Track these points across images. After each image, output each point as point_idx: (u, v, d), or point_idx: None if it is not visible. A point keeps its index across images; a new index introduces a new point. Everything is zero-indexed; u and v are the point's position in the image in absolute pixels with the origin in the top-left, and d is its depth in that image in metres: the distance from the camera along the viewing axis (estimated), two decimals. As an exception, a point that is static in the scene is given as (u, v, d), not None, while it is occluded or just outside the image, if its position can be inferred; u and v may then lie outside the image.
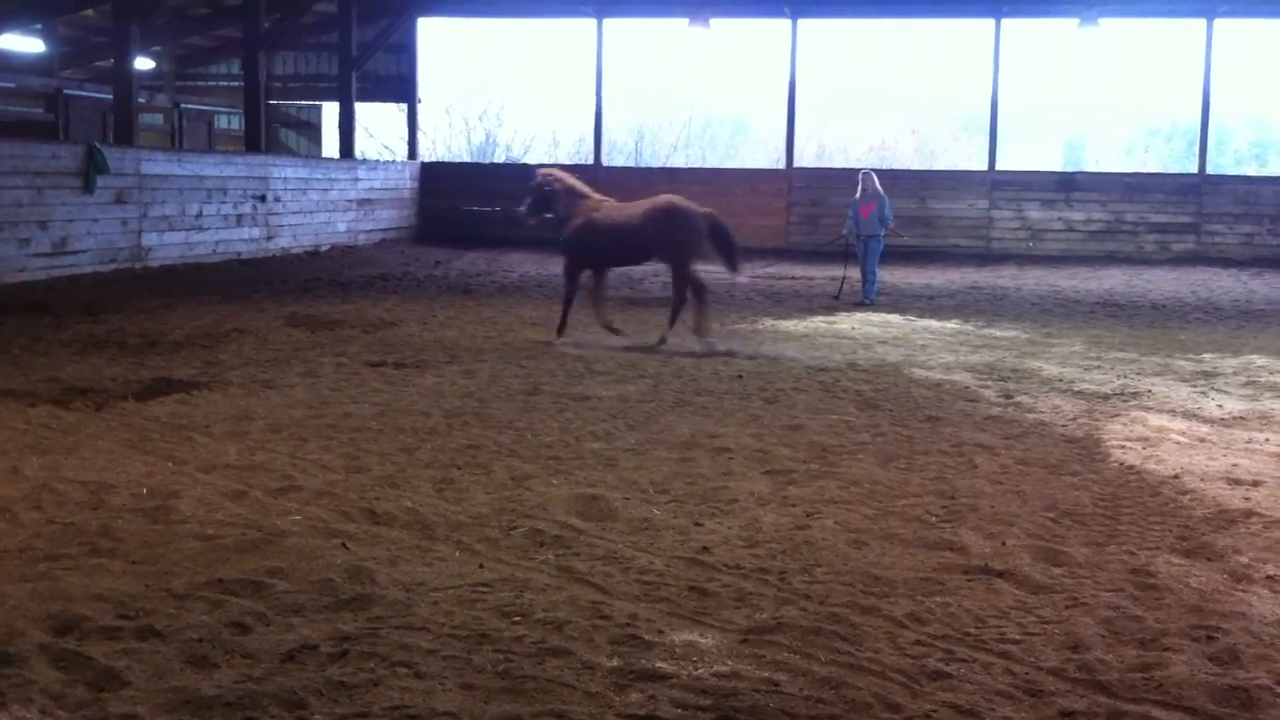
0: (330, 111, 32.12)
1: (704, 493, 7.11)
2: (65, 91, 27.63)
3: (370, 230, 27.35)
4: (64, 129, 26.70)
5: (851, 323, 15.56)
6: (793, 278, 21.56)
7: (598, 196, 13.51)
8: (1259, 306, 18.33)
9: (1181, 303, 18.74)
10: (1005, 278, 22.77)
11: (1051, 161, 47.88)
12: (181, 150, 26.83)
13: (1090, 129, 54.83)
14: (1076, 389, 10.87)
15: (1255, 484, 7.48)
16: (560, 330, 13.11)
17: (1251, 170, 47.30)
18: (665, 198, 13.28)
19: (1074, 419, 9.50)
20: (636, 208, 13.17)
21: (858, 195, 18.30)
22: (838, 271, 22.84)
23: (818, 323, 15.50)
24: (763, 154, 45.30)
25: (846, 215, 18.89)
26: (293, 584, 5.40)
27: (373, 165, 29.43)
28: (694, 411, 9.56)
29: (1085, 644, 4.91)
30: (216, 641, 4.75)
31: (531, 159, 43.28)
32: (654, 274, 21.70)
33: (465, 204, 29.94)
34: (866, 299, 17.84)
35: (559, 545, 6.08)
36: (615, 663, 4.64)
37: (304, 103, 33.29)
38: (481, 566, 5.72)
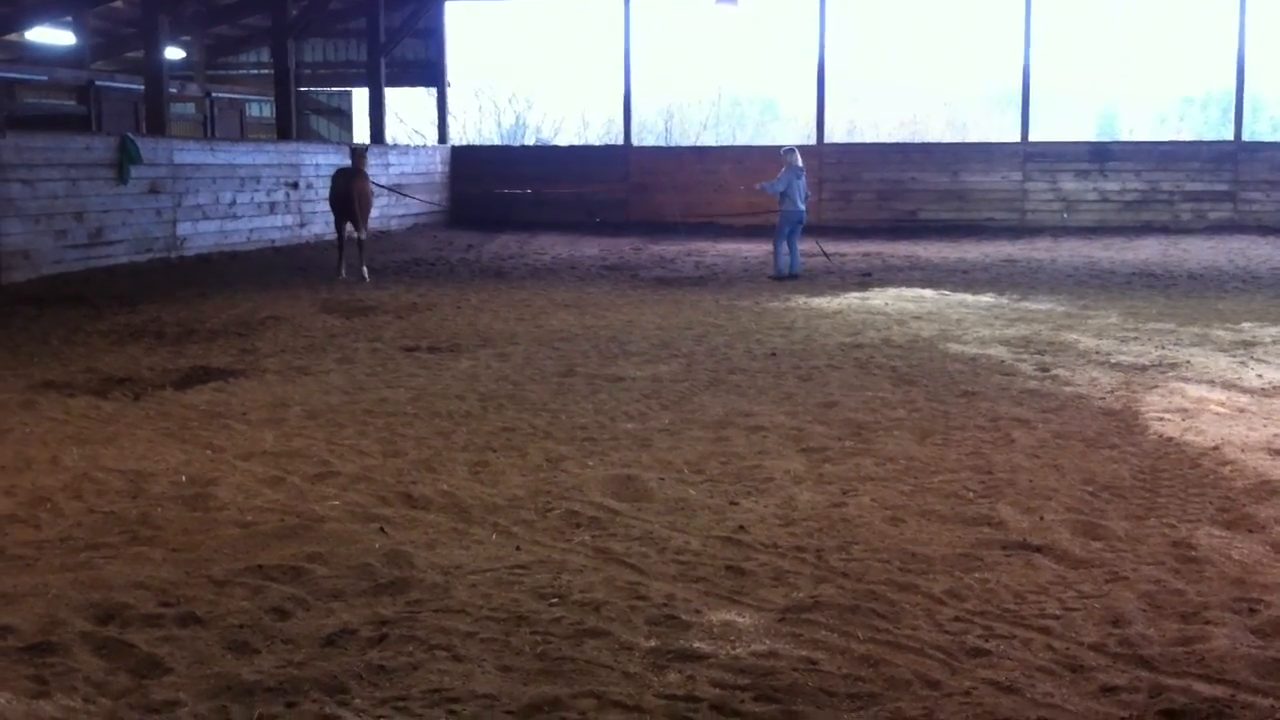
0: (360, 97, 32.17)
1: (739, 472, 7.10)
2: (97, 83, 27.76)
3: (402, 215, 27.41)
4: (96, 121, 26.85)
5: (885, 298, 15.48)
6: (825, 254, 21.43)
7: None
8: (1298, 274, 18.11)
9: (1219, 271, 18.54)
10: (1040, 250, 22.59)
11: (1085, 132, 47.40)
12: (214, 139, 26.93)
13: (1123, 98, 54.28)
14: (1114, 361, 10.78)
15: (1297, 454, 7.40)
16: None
17: (1288, 136, 46.70)
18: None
19: (1112, 391, 9.42)
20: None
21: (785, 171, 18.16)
22: (870, 248, 22.84)
23: (851, 299, 15.44)
24: (792, 131, 45.06)
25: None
26: (331, 569, 5.44)
27: (404, 150, 29.48)
28: (728, 390, 9.54)
29: (1126, 618, 4.87)
30: (257, 627, 4.79)
31: (561, 141, 43.34)
32: (686, 254, 21.68)
33: (496, 187, 29.98)
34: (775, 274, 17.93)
35: (595, 526, 6.09)
36: (653, 643, 4.65)
37: (334, 89, 33.38)
38: (518, 549, 5.74)
